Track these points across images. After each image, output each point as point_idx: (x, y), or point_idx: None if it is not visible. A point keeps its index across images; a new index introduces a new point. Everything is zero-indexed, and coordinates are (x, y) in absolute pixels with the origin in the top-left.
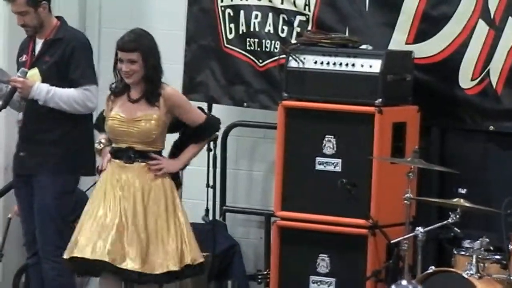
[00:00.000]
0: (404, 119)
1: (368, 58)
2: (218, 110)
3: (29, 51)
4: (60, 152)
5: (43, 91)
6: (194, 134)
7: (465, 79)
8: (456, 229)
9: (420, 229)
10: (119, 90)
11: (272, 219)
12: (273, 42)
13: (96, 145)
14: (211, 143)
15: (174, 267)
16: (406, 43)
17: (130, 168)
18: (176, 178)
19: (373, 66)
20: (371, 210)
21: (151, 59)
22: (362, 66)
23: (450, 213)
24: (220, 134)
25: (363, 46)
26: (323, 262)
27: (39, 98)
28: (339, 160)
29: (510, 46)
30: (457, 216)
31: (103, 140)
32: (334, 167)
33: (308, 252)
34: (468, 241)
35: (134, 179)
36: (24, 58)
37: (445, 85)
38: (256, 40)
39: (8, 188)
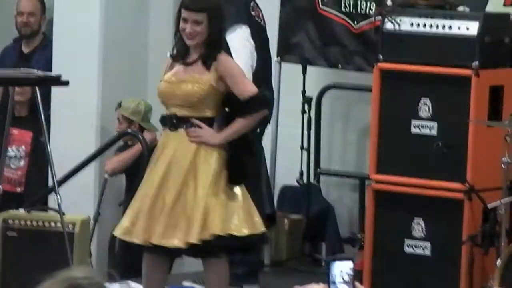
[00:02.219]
0: (501, 82)
1: (465, 20)
2: (312, 72)
3: None
4: None
5: None
6: (240, 107)
7: None
8: None
9: None
10: (178, 54)
11: (367, 182)
12: (368, 3)
13: None
14: (306, 105)
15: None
16: (504, 5)
17: (175, 135)
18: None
19: (470, 28)
20: (467, 174)
21: (217, 22)
22: (459, 28)
23: None
24: (314, 96)
25: (460, 8)
26: (418, 226)
27: None
28: (435, 123)
29: None
30: None
31: None
32: (430, 130)
33: (403, 215)
34: None
35: (178, 148)
36: None
37: None
38: (352, 1)
39: (104, 148)
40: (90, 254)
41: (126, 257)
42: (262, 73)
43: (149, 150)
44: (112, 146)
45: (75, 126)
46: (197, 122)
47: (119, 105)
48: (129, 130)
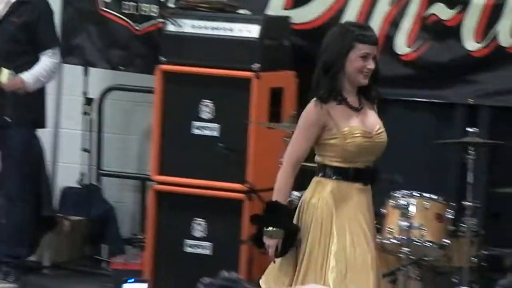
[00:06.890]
0: (281, 85)
1: (246, 23)
2: (94, 74)
3: None
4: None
5: (32, 79)
6: None
7: None
8: None
9: (295, 193)
10: (335, 97)
11: (148, 183)
12: (150, 5)
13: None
14: (88, 106)
15: None
16: (284, 8)
17: (366, 190)
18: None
19: (251, 31)
20: (248, 174)
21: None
22: (240, 31)
23: None
24: (96, 97)
25: (241, 11)
26: (199, 226)
27: (31, 88)
28: (217, 125)
29: (384, 13)
30: None
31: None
32: (211, 132)
33: (184, 216)
34: None
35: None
36: None
37: None
38: (132, 3)
39: None
40: None
41: None
42: None
43: None
44: None
45: None
46: None
47: None
48: None
